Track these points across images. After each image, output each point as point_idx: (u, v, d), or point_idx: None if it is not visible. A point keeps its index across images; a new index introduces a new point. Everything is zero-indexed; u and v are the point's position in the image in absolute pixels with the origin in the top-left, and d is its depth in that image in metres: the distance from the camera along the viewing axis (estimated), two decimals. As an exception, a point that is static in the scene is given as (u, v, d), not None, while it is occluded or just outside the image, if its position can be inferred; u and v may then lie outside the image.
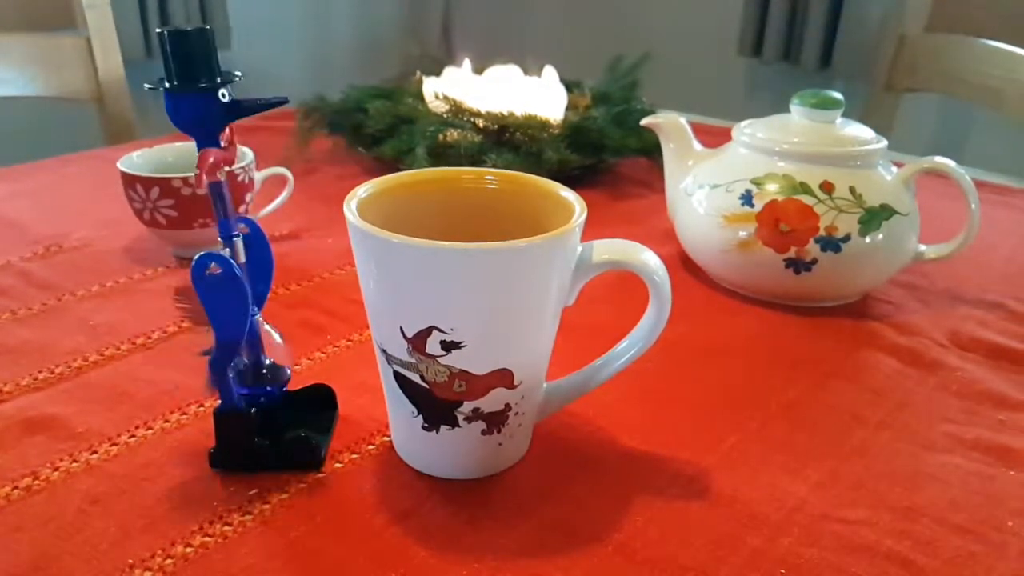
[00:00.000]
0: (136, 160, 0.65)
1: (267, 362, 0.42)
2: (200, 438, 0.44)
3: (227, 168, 0.38)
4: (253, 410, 0.40)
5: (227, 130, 0.38)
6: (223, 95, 0.36)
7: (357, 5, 2.66)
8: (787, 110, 0.62)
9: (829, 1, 1.97)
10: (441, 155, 0.79)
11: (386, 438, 0.44)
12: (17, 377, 0.49)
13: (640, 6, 2.39)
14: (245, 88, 0.34)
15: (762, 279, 0.60)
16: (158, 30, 0.36)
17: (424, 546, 0.37)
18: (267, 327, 0.42)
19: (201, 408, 0.46)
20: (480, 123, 0.82)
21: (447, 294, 0.36)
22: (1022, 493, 0.41)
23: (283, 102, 0.38)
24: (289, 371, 0.43)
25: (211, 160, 0.37)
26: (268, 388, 0.42)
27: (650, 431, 0.45)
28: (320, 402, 0.45)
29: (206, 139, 0.37)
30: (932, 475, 0.43)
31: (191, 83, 0.36)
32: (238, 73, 0.38)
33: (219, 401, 0.40)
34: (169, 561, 0.36)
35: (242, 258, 0.40)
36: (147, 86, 0.37)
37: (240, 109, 0.37)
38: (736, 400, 0.49)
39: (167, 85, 0.36)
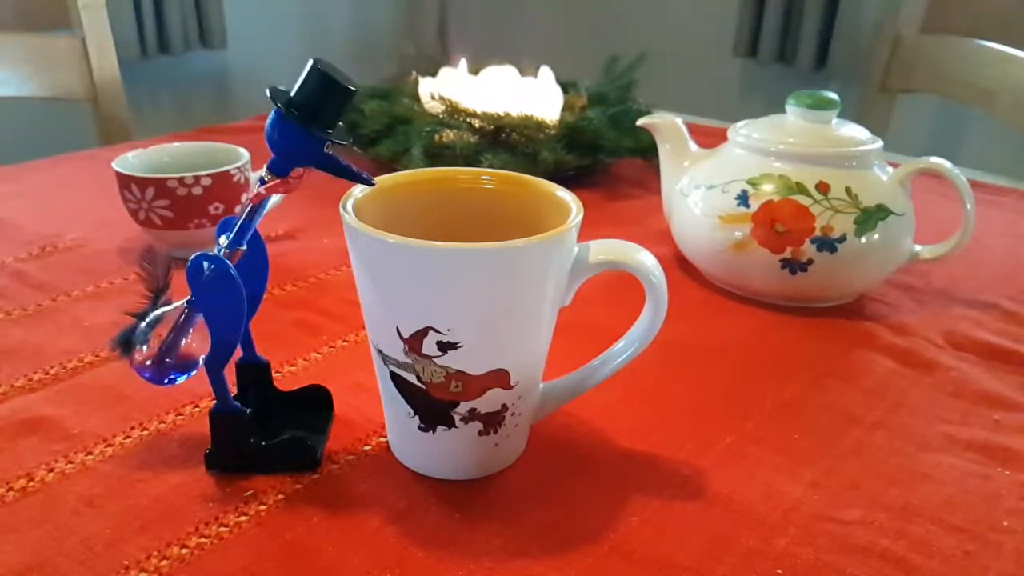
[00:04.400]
0: (131, 160, 0.65)
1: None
2: (196, 439, 0.44)
3: (277, 195, 0.38)
4: (249, 411, 0.40)
5: (302, 169, 0.38)
6: (327, 147, 0.36)
7: (353, 5, 2.66)
8: (783, 111, 0.62)
9: (825, 2, 1.98)
10: (437, 155, 0.79)
11: (382, 439, 0.44)
12: (11, 378, 0.49)
13: (636, 7, 2.39)
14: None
15: (758, 279, 0.60)
16: (312, 60, 0.35)
17: (420, 547, 0.37)
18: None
19: (197, 409, 0.46)
20: (476, 123, 0.82)
21: (443, 294, 0.36)
22: (1017, 493, 0.42)
23: (370, 184, 0.39)
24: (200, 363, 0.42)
25: (278, 185, 0.37)
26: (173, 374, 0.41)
27: (646, 431, 0.45)
28: (316, 403, 0.45)
29: (283, 166, 0.37)
30: (927, 475, 0.43)
31: (310, 122, 0.36)
32: (349, 139, 0.38)
33: (215, 401, 0.40)
34: (165, 562, 0.36)
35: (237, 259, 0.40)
36: (269, 92, 0.36)
37: (328, 165, 0.37)
38: (732, 400, 0.49)
39: (293, 111, 0.36)
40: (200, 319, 0.39)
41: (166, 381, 0.40)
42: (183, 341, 0.40)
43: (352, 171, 0.38)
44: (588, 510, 0.39)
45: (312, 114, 0.36)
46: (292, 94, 0.36)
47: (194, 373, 0.40)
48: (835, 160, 0.58)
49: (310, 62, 0.36)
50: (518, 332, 0.38)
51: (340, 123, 0.37)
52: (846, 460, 0.44)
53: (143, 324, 0.40)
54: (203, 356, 0.39)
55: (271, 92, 0.36)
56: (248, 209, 0.38)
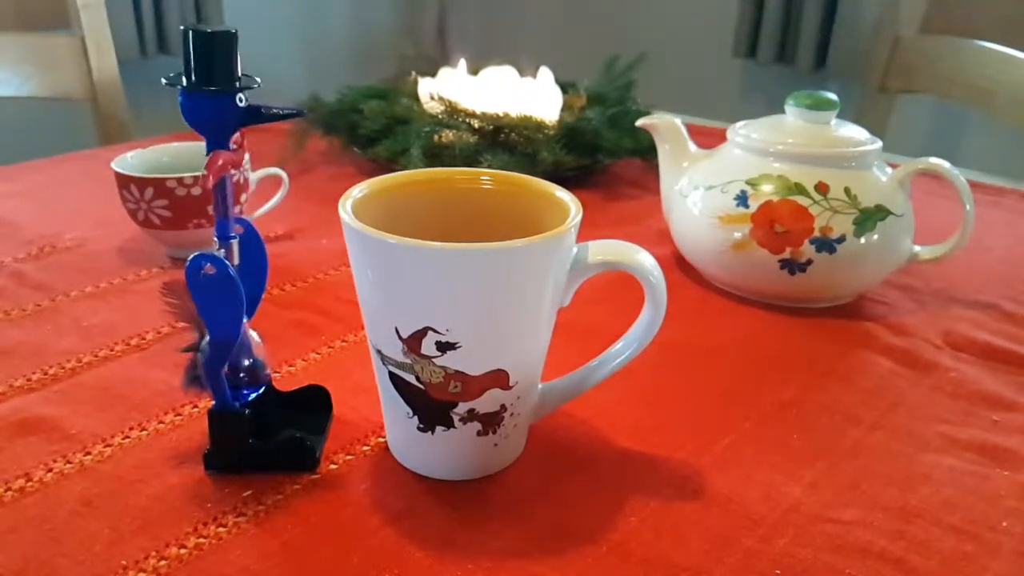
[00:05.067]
0: (130, 160, 0.65)
1: (247, 364, 0.42)
2: (194, 439, 0.43)
3: (233, 170, 0.38)
4: (248, 411, 0.40)
5: (238, 133, 0.38)
6: (240, 99, 0.36)
7: (352, 5, 2.66)
8: (782, 111, 0.62)
9: (824, 3, 1.98)
10: (436, 156, 0.79)
11: (381, 439, 0.44)
12: (10, 378, 0.49)
13: (635, 7, 2.39)
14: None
15: (757, 280, 0.60)
16: (182, 27, 0.36)
17: (419, 547, 0.37)
18: (249, 330, 0.42)
19: (195, 409, 0.46)
20: (475, 124, 0.81)
21: (442, 295, 0.36)
22: (1016, 493, 0.42)
23: (299, 114, 0.38)
24: (268, 370, 0.43)
25: (220, 162, 0.37)
26: (251, 388, 0.42)
27: (645, 432, 0.45)
28: (315, 403, 0.45)
29: (217, 140, 0.37)
30: (926, 475, 0.43)
31: (209, 84, 0.36)
32: (257, 79, 0.37)
33: (213, 402, 0.40)
34: (163, 563, 0.36)
35: (236, 259, 0.40)
36: (164, 81, 0.36)
37: (255, 115, 0.37)
38: (731, 401, 0.49)
39: (184, 83, 0.36)
40: (249, 330, 0.40)
41: (244, 399, 0.41)
42: (244, 357, 0.41)
43: (280, 112, 0.37)
44: (587, 510, 0.39)
45: (208, 75, 0.35)
46: (183, 69, 0.36)
47: (267, 383, 0.42)
48: (834, 161, 0.58)
49: (182, 29, 0.35)
50: (517, 332, 0.38)
51: (240, 72, 0.37)
52: (845, 460, 0.44)
53: (201, 355, 0.40)
54: (269, 367, 0.41)
55: (166, 80, 0.36)
56: (216, 200, 0.38)
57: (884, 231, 0.57)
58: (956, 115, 1.87)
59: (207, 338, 0.39)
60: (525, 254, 0.36)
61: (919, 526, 0.39)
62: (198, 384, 0.41)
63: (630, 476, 0.42)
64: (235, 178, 0.63)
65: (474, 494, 0.40)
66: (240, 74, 0.37)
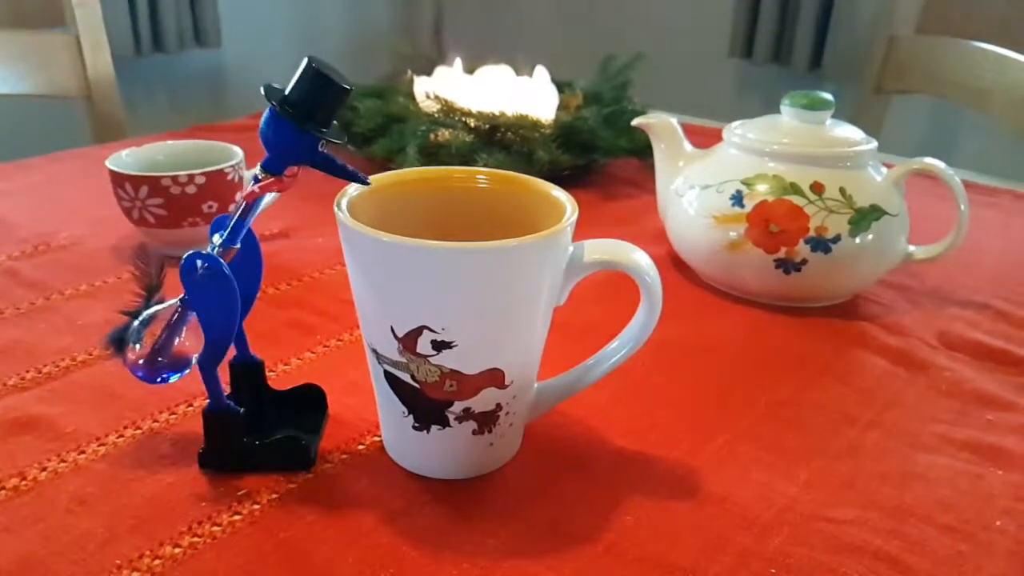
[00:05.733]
0: (125, 159, 0.65)
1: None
2: (189, 438, 0.43)
3: (271, 193, 0.38)
4: (242, 410, 0.40)
5: (296, 167, 0.38)
6: (321, 145, 0.36)
7: (348, 4, 2.66)
8: (777, 111, 0.62)
9: (820, 3, 1.98)
10: (432, 154, 0.79)
11: (376, 438, 0.44)
12: (4, 377, 0.49)
13: (631, 7, 2.39)
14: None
15: (752, 279, 0.60)
16: (307, 58, 0.35)
17: (414, 546, 0.37)
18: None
19: (190, 408, 0.46)
20: (471, 123, 0.81)
21: (438, 294, 0.36)
22: (1010, 493, 0.42)
23: (363, 182, 0.38)
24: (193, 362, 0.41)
25: (273, 184, 0.37)
26: (172, 371, 0.41)
27: (640, 431, 0.45)
28: (310, 402, 0.45)
29: (277, 164, 0.37)
30: (921, 475, 0.43)
31: (304, 120, 0.35)
32: (345, 138, 0.38)
33: (208, 400, 0.40)
34: (157, 562, 0.35)
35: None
36: (263, 90, 0.36)
37: (323, 164, 0.37)
38: (726, 400, 0.49)
39: (281, 108, 0.35)
40: (193, 318, 0.39)
41: (159, 380, 0.40)
42: (176, 340, 0.40)
43: (347, 170, 0.38)
44: (582, 509, 0.39)
45: (307, 112, 0.36)
46: (287, 92, 0.36)
47: (187, 372, 0.40)
48: (830, 160, 0.58)
49: (305, 60, 0.35)
50: (512, 331, 0.38)
51: (334, 122, 0.37)
52: (840, 460, 0.44)
53: (136, 322, 0.40)
54: (196, 355, 0.39)
55: (266, 90, 0.36)
56: (242, 207, 0.38)
57: (879, 231, 0.57)
58: (951, 115, 1.87)
59: (151, 309, 0.39)
60: (521, 253, 0.36)
61: (914, 525, 0.39)
62: (117, 347, 0.40)
63: (625, 475, 0.42)
64: (230, 176, 0.63)
65: (470, 493, 0.40)
66: (333, 125, 0.37)
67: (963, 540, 0.38)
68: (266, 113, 0.36)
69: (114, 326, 0.40)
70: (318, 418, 0.45)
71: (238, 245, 0.39)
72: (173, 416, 0.45)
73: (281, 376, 0.50)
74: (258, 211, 0.39)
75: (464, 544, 0.37)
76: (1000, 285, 0.66)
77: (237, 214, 0.38)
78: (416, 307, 0.36)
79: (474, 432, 0.39)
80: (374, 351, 0.39)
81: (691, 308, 0.61)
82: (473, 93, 0.85)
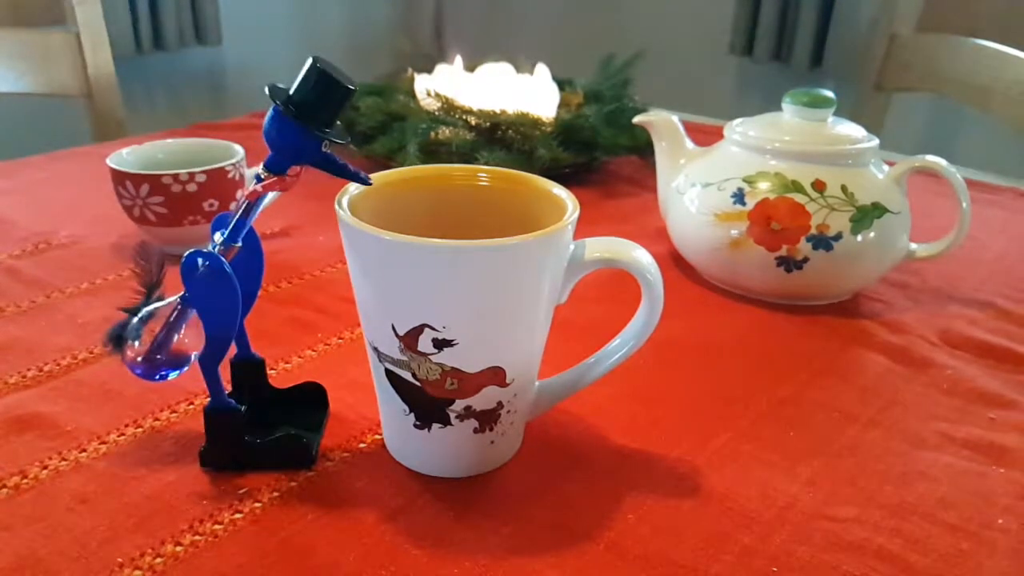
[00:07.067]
0: (126, 157, 0.65)
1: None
2: (190, 436, 0.43)
3: (274, 192, 0.38)
4: (244, 408, 0.40)
5: (299, 167, 0.38)
6: (325, 145, 0.36)
7: (349, 2, 2.65)
8: (779, 109, 0.62)
9: (820, 1, 1.98)
10: (433, 153, 0.79)
11: (377, 436, 0.44)
12: (5, 375, 0.49)
13: (632, 5, 2.39)
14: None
15: (753, 277, 0.60)
16: (312, 58, 0.35)
17: (415, 544, 0.37)
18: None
19: (191, 406, 0.46)
20: (472, 121, 0.81)
21: (439, 292, 0.35)
22: (1012, 491, 0.42)
23: (367, 183, 0.38)
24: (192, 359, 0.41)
25: (275, 183, 0.37)
26: (170, 368, 0.41)
27: (642, 429, 0.45)
28: (311, 400, 0.45)
29: (280, 163, 0.37)
30: (922, 473, 0.43)
31: (307, 119, 0.35)
32: (348, 139, 0.38)
33: (209, 399, 0.40)
34: (159, 560, 0.35)
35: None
36: (267, 90, 0.36)
37: (325, 164, 0.37)
38: (727, 398, 0.49)
39: (284, 106, 0.35)
40: (193, 315, 0.39)
41: (157, 377, 0.40)
42: (175, 337, 0.40)
43: (349, 170, 0.37)
44: (583, 508, 0.39)
45: (311, 112, 0.36)
46: (291, 92, 0.36)
47: (186, 369, 0.40)
48: (831, 158, 0.58)
49: (309, 60, 0.35)
50: (514, 329, 0.38)
51: (338, 122, 0.37)
52: (841, 458, 0.44)
53: (135, 319, 0.40)
54: (195, 353, 0.39)
55: (270, 89, 0.36)
56: (244, 206, 0.38)
57: (881, 229, 0.57)
58: (952, 113, 1.87)
59: (151, 307, 0.39)
60: (522, 251, 0.36)
61: (915, 523, 0.39)
62: (116, 344, 0.40)
63: (627, 473, 0.42)
64: (231, 174, 0.63)
65: (471, 491, 0.40)
66: (337, 125, 0.37)
67: (965, 538, 0.38)
68: (270, 113, 0.36)
69: (114, 323, 0.40)
70: (319, 416, 0.45)
71: (239, 243, 0.39)
72: (174, 414, 0.45)
73: (282, 374, 0.50)
74: (260, 210, 0.39)
75: (465, 542, 0.37)
76: (1002, 283, 0.66)
77: (239, 213, 0.38)
78: (417, 305, 0.36)
79: (475, 430, 0.39)
80: (375, 349, 0.39)
81: (692, 306, 0.61)
82: (474, 91, 0.85)
